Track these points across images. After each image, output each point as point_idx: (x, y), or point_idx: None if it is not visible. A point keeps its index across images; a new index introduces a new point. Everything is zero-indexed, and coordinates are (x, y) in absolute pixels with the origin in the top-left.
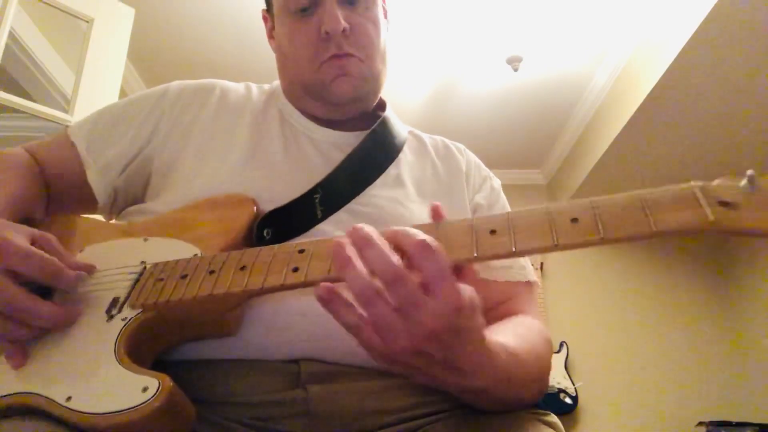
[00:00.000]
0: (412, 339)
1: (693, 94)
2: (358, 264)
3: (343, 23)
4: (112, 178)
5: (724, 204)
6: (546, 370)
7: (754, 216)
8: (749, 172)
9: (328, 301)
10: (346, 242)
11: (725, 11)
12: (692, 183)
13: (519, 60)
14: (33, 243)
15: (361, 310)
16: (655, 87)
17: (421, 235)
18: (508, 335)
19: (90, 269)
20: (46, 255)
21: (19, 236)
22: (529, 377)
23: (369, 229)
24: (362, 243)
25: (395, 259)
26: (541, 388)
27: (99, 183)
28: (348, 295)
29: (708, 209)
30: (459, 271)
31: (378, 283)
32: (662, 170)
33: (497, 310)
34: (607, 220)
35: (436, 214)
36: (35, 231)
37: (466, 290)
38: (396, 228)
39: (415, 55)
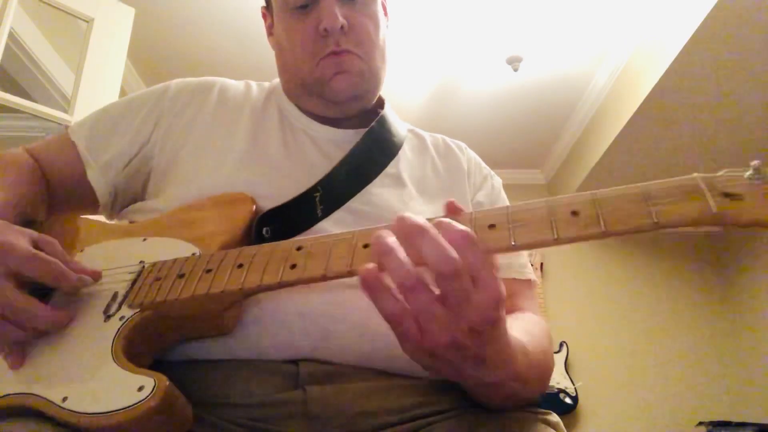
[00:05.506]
0: (454, 332)
1: (693, 94)
2: (401, 253)
3: (341, 20)
4: (112, 177)
5: (728, 195)
6: (550, 368)
7: (759, 208)
8: (754, 162)
9: (372, 286)
10: (386, 233)
11: (725, 11)
12: (695, 174)
13: (519, 60)
14: (35, 246)
15: (402, 300)
16: (655, 87)
17: (463, 227)
18: (521, 333)
19: (96, 276)
20: (50, 257)
21: (23, 239)
22: (537, 374)
23: (420, 219)
24: (415, 231)
25: (451, 251)
26: (542, 387)
27: (100, 182)
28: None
29: (712, 201)
30: None
31: (421, 272)
32: (662, 170)
33: None
34: (609, 213)
35: (452, 209)
36: (37, 234)
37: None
38: (439, 219)
39: (415, 55)
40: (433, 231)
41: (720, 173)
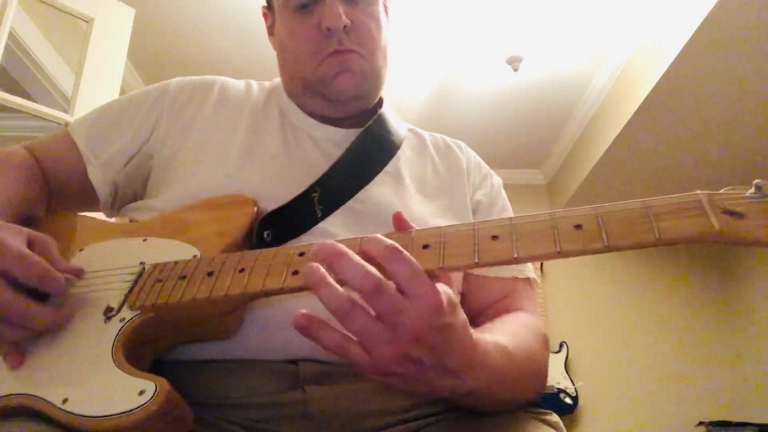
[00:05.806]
0: (397, 345)
1: (692, 94)
2: (330, 281)
3: (345, 19)
4: (112, 175)
5: (730, 213)
6: (542, 367)
7: (760, 227)
8: (756, 181)
9: (307, 328)
10: (318, 264)
11: (725, 12)
12: (698, 192)
13: (519, 60)
14: (30, 244)
15: (342, 327)
16: (654, 88)
17: (387, 241)
18: (501, 334)
19: (79, 273)
20: (37, 258)
21: (16, 238)
22: (525, 376)
23: (335, 243)
24: (332, 258)
25: (368, 268)
26: (538, 387)
27: (100, 180)
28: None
29: (714, 218)
30: (433, 275)
31: (353, 295)
32: (662, 170)
33: (496, 306)
34: (612, 228)
35: (399, 223)
36: (32, 232)
37: (443, 288)
38: (365, 236)
39: (415, 55)
40: (349, 253)
41: (722, 190)
